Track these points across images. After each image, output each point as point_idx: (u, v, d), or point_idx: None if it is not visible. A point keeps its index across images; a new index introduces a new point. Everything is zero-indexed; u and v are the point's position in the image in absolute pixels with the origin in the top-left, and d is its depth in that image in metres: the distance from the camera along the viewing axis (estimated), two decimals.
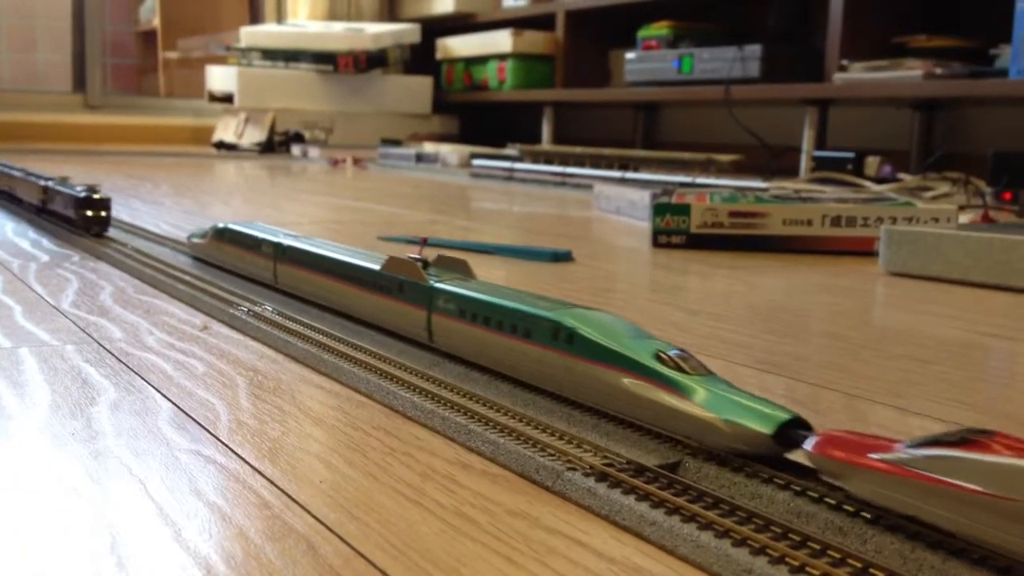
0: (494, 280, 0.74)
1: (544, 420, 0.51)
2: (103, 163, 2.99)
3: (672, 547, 0.39)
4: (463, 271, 0.67)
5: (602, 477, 0.43)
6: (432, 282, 0.64)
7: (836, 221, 1.32)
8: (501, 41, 3.66)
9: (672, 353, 0.48)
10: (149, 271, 0.98)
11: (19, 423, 0.53)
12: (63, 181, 1.35)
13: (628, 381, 0.48)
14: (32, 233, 1.32)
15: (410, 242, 1.31)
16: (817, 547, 0.36)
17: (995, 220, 1.43)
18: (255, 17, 4.83)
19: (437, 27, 4.06)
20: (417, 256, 0.67)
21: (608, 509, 0.42)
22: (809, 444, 0.40)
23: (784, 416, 0.43)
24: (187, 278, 0.93)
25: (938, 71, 2.32)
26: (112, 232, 1.25)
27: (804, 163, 2.66)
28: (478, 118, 4.11)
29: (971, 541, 0.34)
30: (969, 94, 2.35)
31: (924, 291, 1.07)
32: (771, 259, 1.27)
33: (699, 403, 0.45)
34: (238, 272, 0.95)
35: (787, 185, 2.06)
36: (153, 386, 0.60)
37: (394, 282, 0.68)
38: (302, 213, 1.73)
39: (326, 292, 0.78)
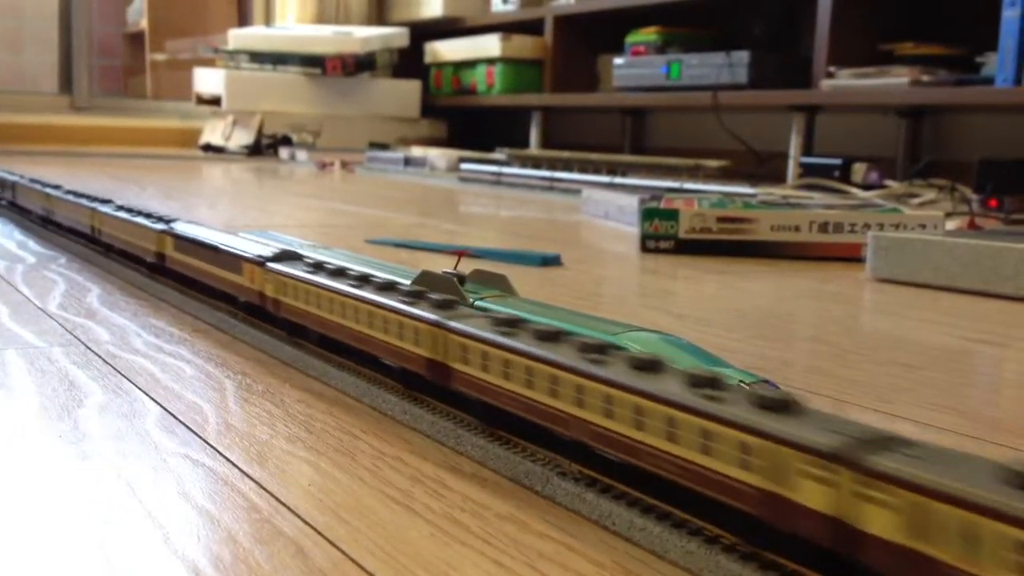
0: None
1: None
2: (89, 165, 2.98)
3: (662, 552, 0.39)
4: (503, 287, 0.62)
5: (592, 482, 0.43)
6: (472, 300, 0.59)
7: (824, 227, 1.32)
8: (490, 45, 3.66)
9: (752, 383, 0.42)
10: (136, 273, 0.98)
11: (5, 425, 0.53)
12: None
13: None
14: (18, 235, 1.32)
15: (398, 245, 1.31)
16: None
17: (981, 227, 1.44)
18: (243, 19, 4.82)
19: (425, 31, 4.05)
20: (453, 271, 0.61)
21: (598, 514, 0.42)
22: None
23: None
24: (174, 281, 0.93)
25: (925, 78, 2.33)
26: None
27: (792, 169, 2.67)
28: (466, 122, 4.11)
29: None
30: (955, 101, 2.36)
31: (911, 297, 1.07)
32: (759, 264, 1.27)
33: None
34: None
35: (775, 191, 2.07)
36: (141, 389, 0.60)
37: None
38: (289, 216, 1.73)
39: None
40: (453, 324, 0.50)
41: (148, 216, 0.95)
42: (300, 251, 0.72)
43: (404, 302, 0.55)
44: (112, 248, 1.04)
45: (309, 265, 0.66)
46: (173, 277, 0.88)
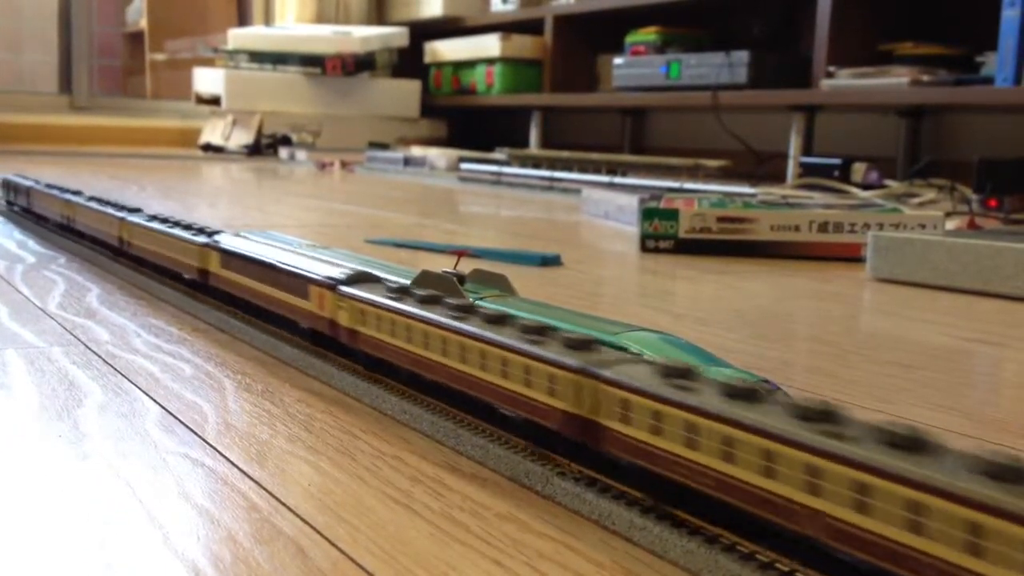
0: None
1: None
2: (89, 165, 2.98)
3: (662, 552, 0.39)
4: (503, 286, 0.61)
5: (591, 482, 0.43)
6: (471, 299, 0.57)
7: (823, 227, 1.32)
8: (489, 45, 3.66)
9: (752, 383, 0.40)
10: (136, 273, 0.98)
11: (5, 425, 0.52)
12: None
13: None
14: (18, 234, 1.32)
15: (398, 245, 1.31)
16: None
17: (981, 227, 1.44)
18: (243, 19, 4.82)
19: (425, 31, 4.05)
20: (452, 271, 0.60)
21: (598, 514, 0.42)
22: None
23: None
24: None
25: (924, 78, 2.33)
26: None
27: (791, 169, 2.67)
28: (466, 122, 4.11)
29: None
30: (955, 101, 2.36)
31: (910, 297, 1.07)
32: (759, 264, 1.27)
33: None
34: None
35: (775, 191, 2.07)
36: (140, 388, 0.60)
37: None
38: (289, 216, 1.73)
39: None
40: (607, 374, 0.41)
41: (187, 227, 0.85)
42: (377, 271, 0.63)
43: (529, 341, 0.45)
44: (144, 262, 0.94)
45: (392, 290, 0.56)
46: (218, 297, 0.79)
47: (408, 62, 4.02)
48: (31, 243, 1.24)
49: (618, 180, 2.33)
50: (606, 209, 1.83)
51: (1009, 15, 2.14)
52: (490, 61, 3.69)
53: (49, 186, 1.30)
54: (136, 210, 0.99)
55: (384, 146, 3.67)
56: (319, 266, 0.65)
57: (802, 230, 1.33)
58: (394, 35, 3.96)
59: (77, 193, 1.20)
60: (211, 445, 0.50)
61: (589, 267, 1.22)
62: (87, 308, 0.84)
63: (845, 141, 2.80)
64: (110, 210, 1.01)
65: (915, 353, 0.79)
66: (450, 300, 0.52)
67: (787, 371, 0.70)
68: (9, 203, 1.50)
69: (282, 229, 1.40)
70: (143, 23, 4.88)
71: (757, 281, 1.14)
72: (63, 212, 1.19)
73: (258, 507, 0.42)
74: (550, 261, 1.21)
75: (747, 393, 0.36)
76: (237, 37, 3.98)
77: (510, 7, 3.71)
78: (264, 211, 1.78)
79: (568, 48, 3.55)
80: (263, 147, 3.73)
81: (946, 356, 0.78)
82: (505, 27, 3.68)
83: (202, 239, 0.80)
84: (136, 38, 5.02)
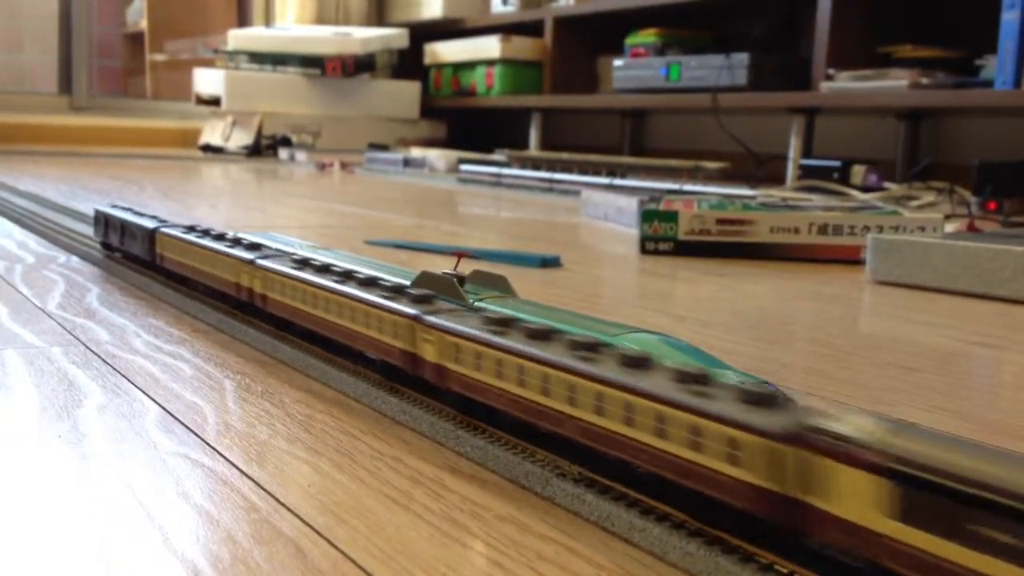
0: None
1: None
2: (88, 165, 2.98)
3: (662, 554, 0.39)
4: (502, 288, 0.60)
5: (591, 483, 0.43)
6: (471, 301, 0.57)
7: (823, 229, 1.32)
8: (489, 47, 3.66)
9: (752, 384, 0.39)
10: (136, 273, 0.98)
11: (4, 425, 0.53)
12: None
13: None
14: (17, 234, 1.32)
15: (398, 246, 1.31)
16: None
17: (980, 230, 1.44)
18: (243, 20, 4.82)
19: (425, 32, 4.05)
20: (452, 271, 0.59)
21: (598, 515, 0.42)
22: None
23: None
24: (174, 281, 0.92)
25: (924, 81, 2.33)
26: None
27: (791, 171, 2.67)
28: (466, 123, 4.11)
29: None
30: (954, 104, 2.36)
31: (910, 299, 1.07)
32: (758, 266, 1.27)
33: None
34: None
35: (774, 193, 2.07)
36: (140, 389, 0.60)
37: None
38: (289, 216, 1.73)
39: None
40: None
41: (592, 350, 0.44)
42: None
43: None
44: (468, 405, 0.51)
45: None
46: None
47: (408, 63, 4.03)
48: (31, 243, 1.24)
49: (618, 182, 2.33)
50: (606, 211, 1.83)
51: (1009, 18, 2.14)
52: (490, 62, 3.69)
53: (196, 231, 0.82)
54: (429, 299, 0.55)
55: (384, 147, 3.67)
56: None
57: (801, 232, 1.33)
58: (394, 36, 3.96)
59: (257, 248, 0.73)
60: (211, 445, 0.50)
61: (589, 269, 1.22)
62: (87, 308, 0.84)
63: (844, 143, 2.80)
64: (367, 295, 0.58)
65: (914, 355, 0.79)
66: None
67: (786, 373, 0.70)
68: (106, 246, 1.07)
69: (283, 230, 1.40)
70: (143, 23, 4.88)
71: (757, 283, 1.14)
72: (240, 280, 0.73)
73: (257, 507, 0.42)
74: (550, 263, 1.21)
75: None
76: (237, 38, 3.98)
77: (510, 8, 3.72)
78: (265, 212, 1.78)
79: (568, 50, 3.55)
80: (263, 148, 3.73)
81: (945, 358, 0.78)
82: (505, 28, 3.68)
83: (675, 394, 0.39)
84: (136, 38, 5.03)
